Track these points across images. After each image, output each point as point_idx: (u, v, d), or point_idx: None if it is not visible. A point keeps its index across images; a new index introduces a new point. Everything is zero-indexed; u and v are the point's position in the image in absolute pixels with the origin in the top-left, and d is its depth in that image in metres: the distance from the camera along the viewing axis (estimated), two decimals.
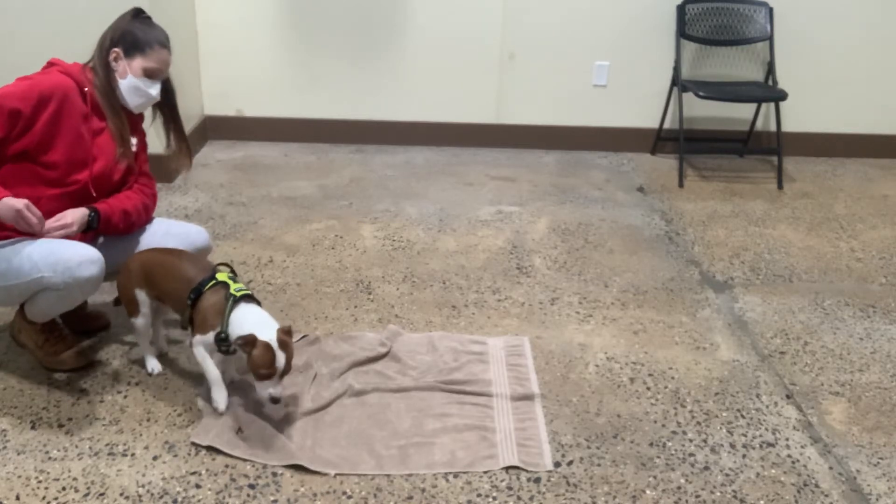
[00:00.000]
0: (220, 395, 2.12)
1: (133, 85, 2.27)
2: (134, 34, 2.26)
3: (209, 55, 4.23)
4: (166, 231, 2.43)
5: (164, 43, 2.29)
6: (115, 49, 2.25)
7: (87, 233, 2.26)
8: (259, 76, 4.29)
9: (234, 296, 2.06)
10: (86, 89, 2.23)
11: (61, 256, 2.07)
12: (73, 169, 2.21)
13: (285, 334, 1.99)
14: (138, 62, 2.25)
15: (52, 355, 2.31)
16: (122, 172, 2.33)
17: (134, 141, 2.37)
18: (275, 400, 1.99)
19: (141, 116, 2.41)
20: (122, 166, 2.32)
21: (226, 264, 2.20)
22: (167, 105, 2.41)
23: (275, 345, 1.95)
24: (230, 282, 2.10)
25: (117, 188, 2.35)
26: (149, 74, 2.27)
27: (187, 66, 4.11)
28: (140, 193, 2.40)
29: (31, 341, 2.32)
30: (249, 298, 2.08)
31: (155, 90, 2.30)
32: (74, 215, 2.20)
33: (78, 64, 2.27)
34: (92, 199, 2.27)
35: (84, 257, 2.08)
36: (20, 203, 2.02)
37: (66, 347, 2.32)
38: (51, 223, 2.14)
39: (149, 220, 2.45)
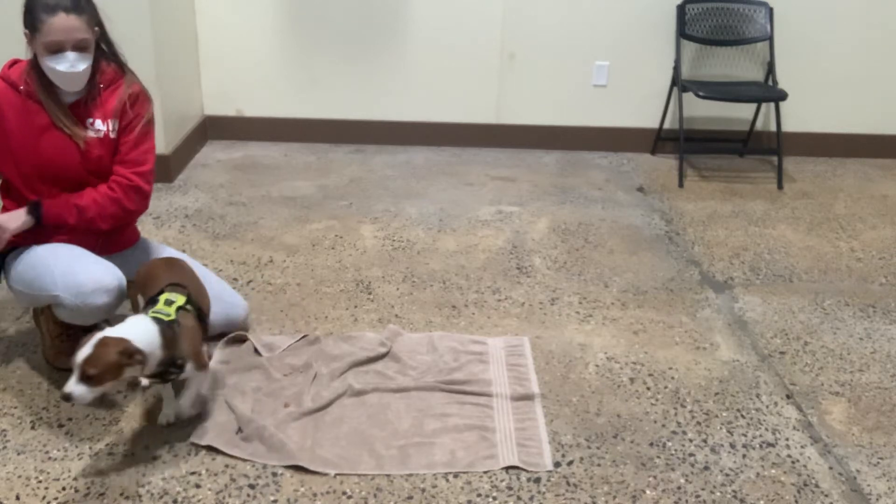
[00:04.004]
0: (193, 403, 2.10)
1: (46, 67, 2.05)
2: (31, 6, 2.01)
3: (209, 55, 4.23)
4: (216, 294, 2.37)
5: (64, 5, 2.00)
6: (25, 30, 2.05)
7: (38, 228, 2.18)
8: (259, 76, 4.29)
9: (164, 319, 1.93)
10: (20, 87, 2.12)
11: (78, 279, 2.06)
12: (27, 172, 2.16)
13: (110, 343, 1.80)
14: (39, 39, 2.02)
15: (59, 351, 2.31)
16: (85, 166, 2.18)
17: (101, 126, 2.19)
18: (64, 397, 1.77)
19: (112, 97, 2.20)
20: (84, 159, 2.18)
21: (177, 283, 2.07)
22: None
23: (89, 340, 1.81)
24: (163, 305, 1.97)
25: (87, 182, 2.21)
26: (52, 49, 2.03)
27: (187, 66, 4.11)
28: (110, 187, 2.21)
29: (48, 329, 2.33)
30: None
31: (64, 64, 2.04)
32: (11, 219, 2.13)
33: (16, 60, 2.16)
34: (55, 194, 2.19)
35: (99, 285, 2.06)
36: None
37: (72, 348, 2.32)
38: None
39: (127, 214, 2.24)
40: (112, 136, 2.23)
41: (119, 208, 2.21)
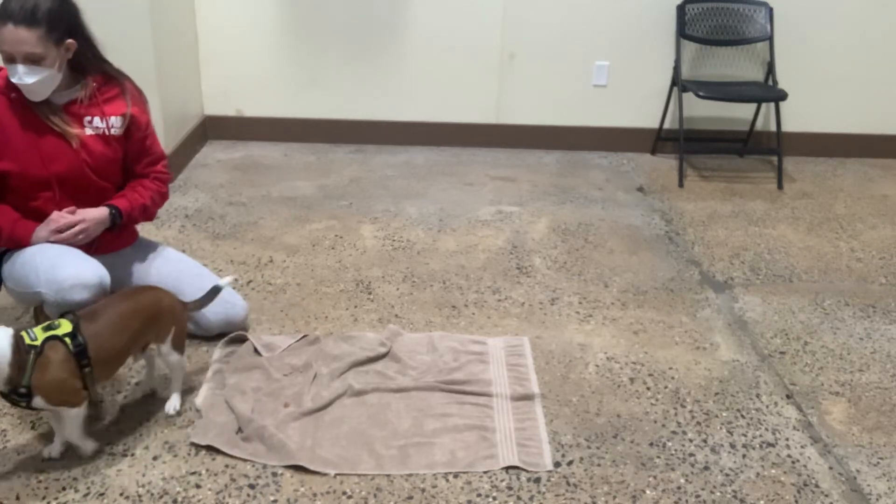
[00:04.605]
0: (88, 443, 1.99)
1: (9, 73, 2.03)
2: None
3: (209, 55, 4.23)
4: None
5: (15, 17, 1.96)
6: None
7: (110, 230, 2.27)
8: (259, 76, 4.29)
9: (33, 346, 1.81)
10: (13, 95, 2.10)
11: (58, 275, 2.06)
12: (32, 175, 2.16)
13: None
14: None
15: None
16: (87, 165, 2.20)
17: (100, 123, 2.21)
18: None
19: (109, 96, 2.23)
20: (84, 158, 2.19)
21: (71, 312, 1.95)
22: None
23: None
24: (40, 328, 1.86)
25: (91, 184, 2.24)
26: (5, 59, 2.02)
27: (187, 66, 4.12)
28: (154, 181, 2.38)
29: None
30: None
31: (14, 76, 2.02)
32: (92, 213, 2.20)
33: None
34: (68, 203, 2.21)
35: (78, 280, 2.05)
36: (52, 217, 2.13)
37: None
38: (57, 218, 2.16)
39: (165, 202, 2.45)
40: (113, 132, 2.24)
41: (164, 199, 2.44)
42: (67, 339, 1.85)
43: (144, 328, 2.02)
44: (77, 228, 2.18)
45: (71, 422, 1.92)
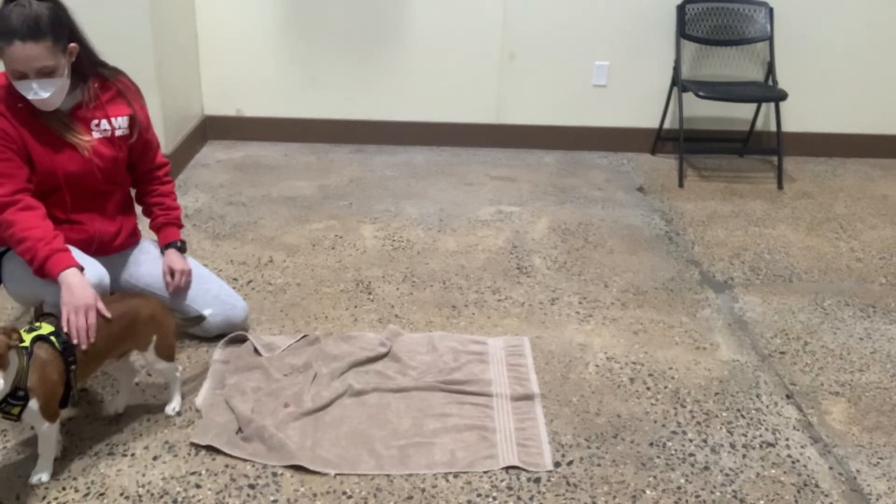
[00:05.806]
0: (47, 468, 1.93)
1: (20, 89, 2.00)
2: None
3: (209, 55, 4.23)
4: (216, 295, 2.44)
5: (20, 33, 1.92)
6: None
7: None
8: (259, 76, 4.29)
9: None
10: (20, 105, 2.06)
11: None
12: (46, 181, 2.14)
13: None
14: (4, 64, 1.97)
15: None
16: (98, 170, 2.20)
17: (107, 125, 2.20)
18: None
19: (114, 93, 2.22)
20: (95, 164, 2.18)
21: (49, 314, 1.97)
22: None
23: None
24: (24, 331, 1.82)
25: (102, 189, 2.26)
26: (15, 76, 1.98)
27: (187, 66, 4.12)
28: (166, 177, 2.46)
29: None
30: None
31: (28, 92, 1.99)
32: (180, 261, 2.37)
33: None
34: (78, 207, 2.22)
35: None
36: (90, 297, 1.94)
37: None
38: (174, 283, 2.37)
39: None
40: (118, 133, 2.23)
41: None
42: (53, 338, 1.84)
43: (118, 337, 1.98)
44: (187, 279, 2.41)
45: (44, 439, 1.88)
